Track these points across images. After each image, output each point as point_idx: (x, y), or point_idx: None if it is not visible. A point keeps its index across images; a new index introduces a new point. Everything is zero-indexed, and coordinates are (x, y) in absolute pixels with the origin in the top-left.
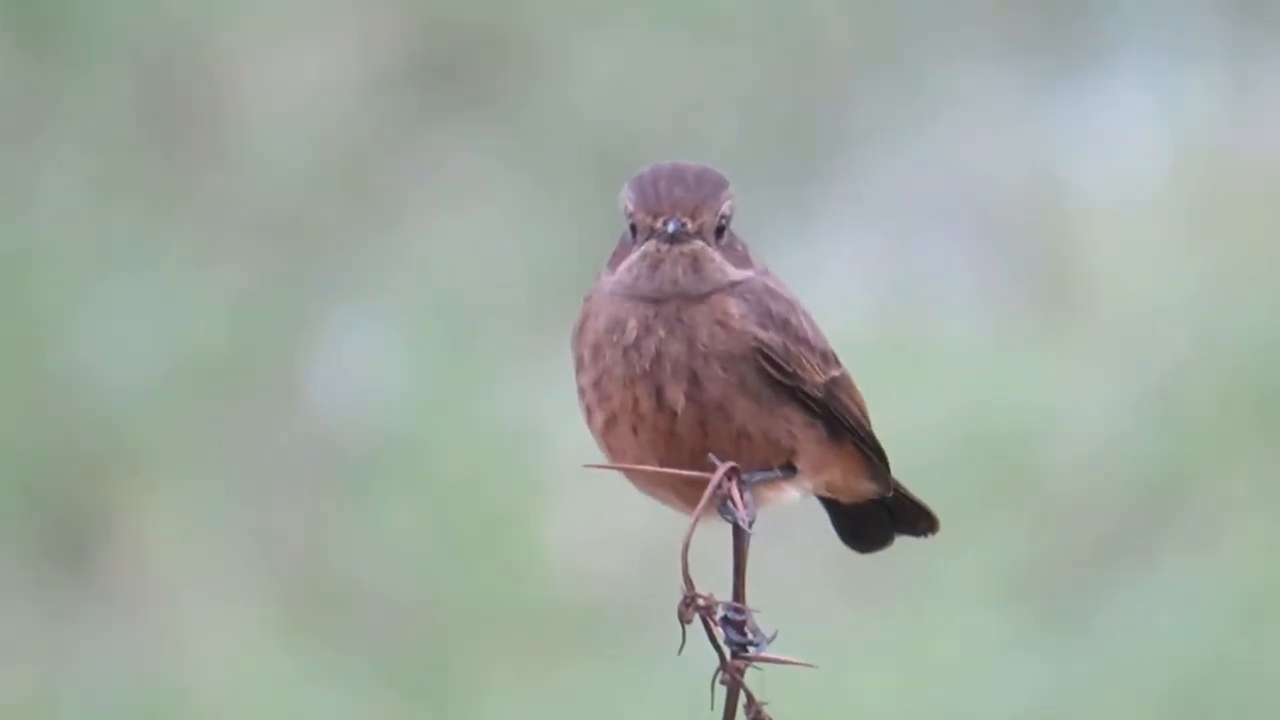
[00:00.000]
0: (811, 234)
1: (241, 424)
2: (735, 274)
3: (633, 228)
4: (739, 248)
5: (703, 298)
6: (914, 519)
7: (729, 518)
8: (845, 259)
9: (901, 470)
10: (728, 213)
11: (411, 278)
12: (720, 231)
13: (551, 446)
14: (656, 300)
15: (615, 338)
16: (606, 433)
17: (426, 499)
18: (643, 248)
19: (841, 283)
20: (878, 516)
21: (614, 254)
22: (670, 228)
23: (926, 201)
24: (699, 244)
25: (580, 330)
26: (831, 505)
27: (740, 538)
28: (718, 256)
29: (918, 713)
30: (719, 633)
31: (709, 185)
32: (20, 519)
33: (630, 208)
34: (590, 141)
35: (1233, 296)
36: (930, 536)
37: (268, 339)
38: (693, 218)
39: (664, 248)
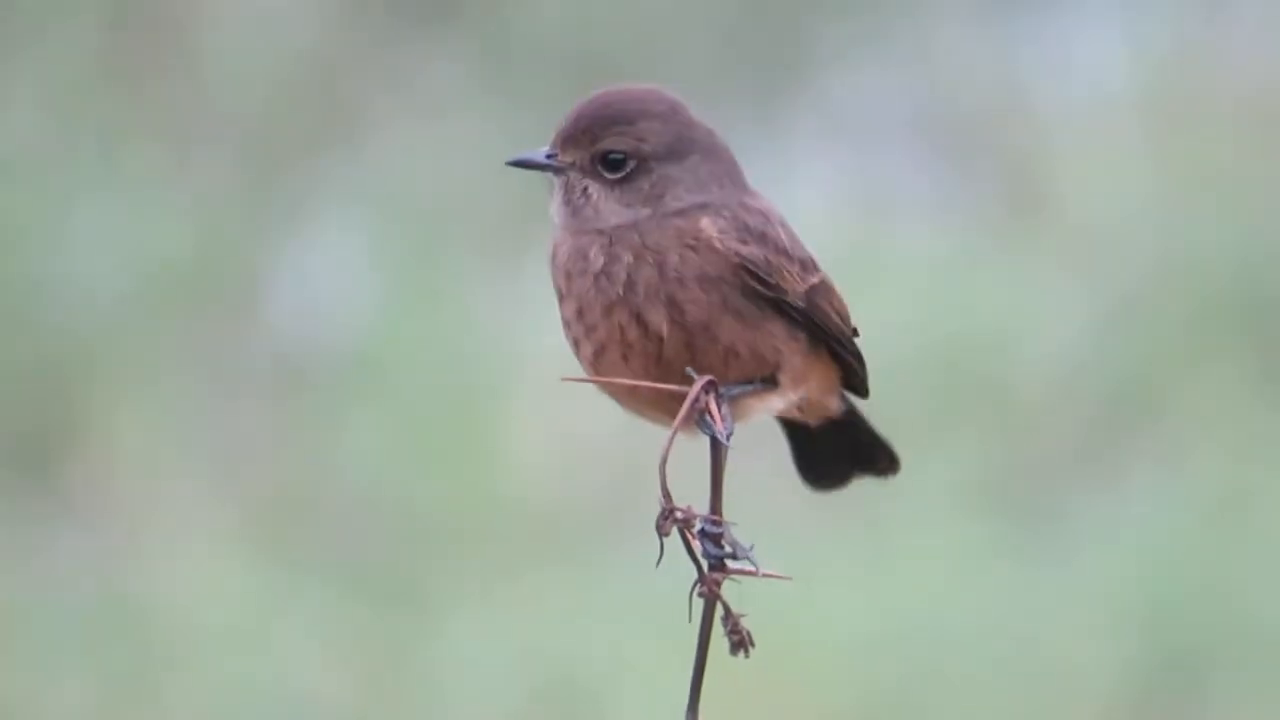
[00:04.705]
0: (779, 148)
1: (207, 336)
2: (616, 215)
3: None
4: (645, 186)
5: (663, 222)
6: (875, 456)
7: (707, 431)
8: (812, 173)
9: (871, 380)
10: (623, 148)
11: (378, 191)
12: (615, 165)
13: (520, 359)
14: (602, 230)
15: (582, 265)
16: (596, 362)
17: (394, 411)
18: None
19: (809, 196)
20: (839, 450)
21: None
22: (530, 154)
23: (892, 116)
24: (573, 176)
25: (552, 257)
26: (794, 435)
27: (718, 451)
28: (597, 193)
29: (886, 622)
30: (697, 546)
31: (603, 119)
32: None
33: None
34: (560, 58)
35: (1197, 208)
36: (890, 477)
37: (234, 251)
38: (562, 149)
39: (551, 177)
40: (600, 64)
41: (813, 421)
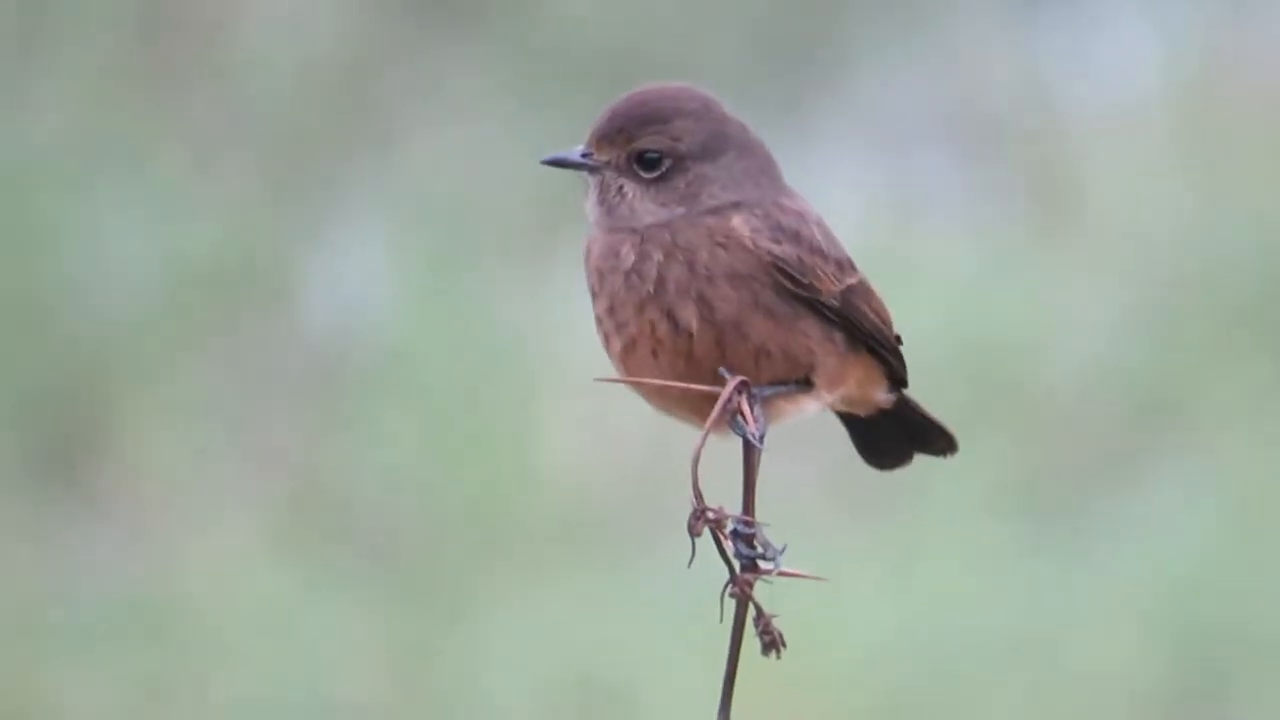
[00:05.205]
0: (809, 149)
1: (237, 336)
2: (651, 214)
3: None
4: (681, 185)
5: (695, 220)
6: (932, 438)
7: (739, 432)
8: (842, 174)
9: None
10: (658, 147)
11: (406, 193)
12: (651, 164)
13: (549, 359)
14: (635, 229)
15: (614, 263)
16: (626, 358)
17: (423, 411)
18: None
19: (838, 196)
20: (895, 432)
21: None
22: (565, 153)
23: (923, 117)
24: (608, 175)
25: (586, 255)
26: (848, 421)
27: (750, 452)
28: (632, 192)
29: (913, 623)
30: (729, 546)
31: (638, 118)
32: (15, 430)
33: None
34: (587, 59)
35: (1224, 210)
36: (949, 456)
37: (264, 252)
38: (597, 148)
39: (586, 176)
40: (628, 65)
41: (862, 413)
